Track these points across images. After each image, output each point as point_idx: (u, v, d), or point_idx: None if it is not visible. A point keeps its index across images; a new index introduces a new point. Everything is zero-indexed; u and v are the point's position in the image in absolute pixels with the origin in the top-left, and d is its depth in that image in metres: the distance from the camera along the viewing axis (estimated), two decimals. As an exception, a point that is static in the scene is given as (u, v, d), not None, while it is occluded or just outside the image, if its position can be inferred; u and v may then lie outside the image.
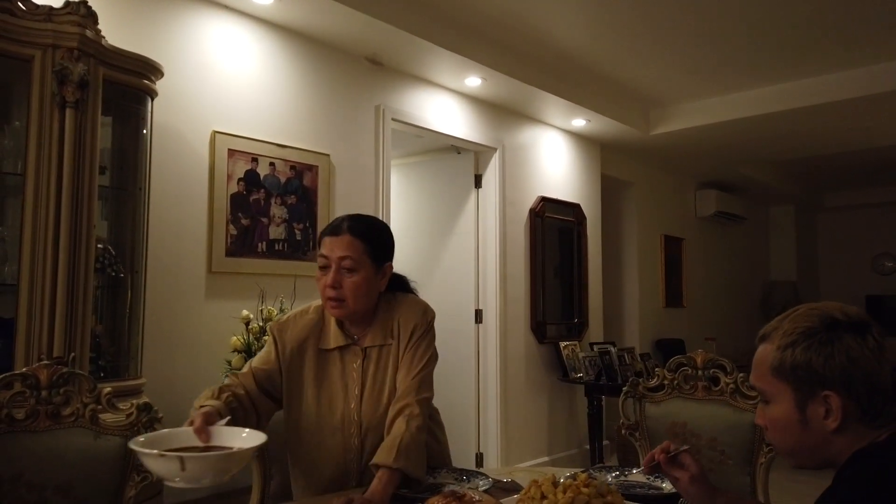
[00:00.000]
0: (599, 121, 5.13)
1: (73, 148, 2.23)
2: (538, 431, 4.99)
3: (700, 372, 2.06)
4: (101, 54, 2.34)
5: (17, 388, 1.50)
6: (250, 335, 2.90)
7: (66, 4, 2.26)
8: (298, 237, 3.41)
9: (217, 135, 3.10)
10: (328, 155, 3.56)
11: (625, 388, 2.14)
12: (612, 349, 4.96)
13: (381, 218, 3.68)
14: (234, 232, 3.15)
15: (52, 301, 2.16)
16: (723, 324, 7.67)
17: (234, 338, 2.89)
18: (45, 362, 1.58)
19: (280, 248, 3.33)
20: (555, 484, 1.35)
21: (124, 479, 1.59)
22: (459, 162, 4.85)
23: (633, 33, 4.04)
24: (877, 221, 8.90)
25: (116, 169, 2.61)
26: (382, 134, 3.88)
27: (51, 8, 2.23)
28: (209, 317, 3.03)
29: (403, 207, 4.99)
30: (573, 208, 5.42)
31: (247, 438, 1.40)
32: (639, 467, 1.72)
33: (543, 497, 1.33)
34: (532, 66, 4.35)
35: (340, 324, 1.77)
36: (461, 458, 4.14)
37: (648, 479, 1.70)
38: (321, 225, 3.39)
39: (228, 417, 1.50)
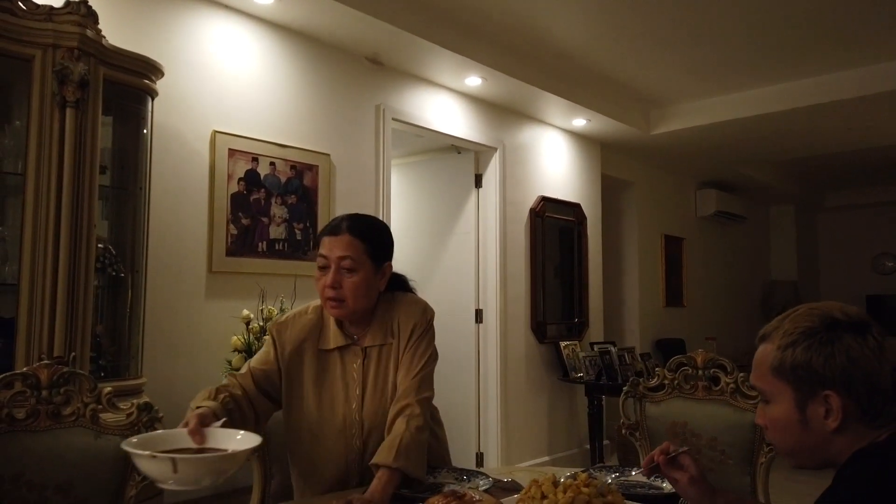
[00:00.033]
0: (600, 120, 5.13)
1: (74, 148, 2.23)
2: (538, 431, 4.98)
3: (700, 372, 2.06)
4: (101, 54, 2.34)
5: (18, 387, 1.50)
6: (251, 335, 2.90)
7: (67, 4, 2.26)
8: (299, 237, 3.41)
9: (217, 134, 3.11)
10: (328, 155, 3.56)
11: (625, 388, 2.14)
12: (613, 349, 4.97)
13: (381, 218, 3.68)
14: (235, 231, 3.15)
15: (52, 301, 2.16)
16: (723, 323, 7.66)
17: (235, 337, 2.89)
18: (46, 362, 1.59)
19: (280, 247, 3.33)
20: (555, 484, 1.35)
21: (125, 479, 1.59)
22: (460, 162, 4.85)
23: (633, 33, 4.04)
24: (877, 221, 8.89)
25: (117, 168, 2.61)
26: (382, 133, 3.88)
27: (51, 8, 2.23)
28: (209, 316, 3.04)
29: (403, 207, 4.99)
30: (573, 208, 5.42)
31: (241, 441, 1.38)
32: (639, 467, 1.72)
33: (544, 497, 1.33)
34: (532, 65, 4.35)
35: (340, 324, 1.77)
36: (461, 457, 4.14)
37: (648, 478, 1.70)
38: (321, 225, 3.39)
39: (224, 419, 1.49)
